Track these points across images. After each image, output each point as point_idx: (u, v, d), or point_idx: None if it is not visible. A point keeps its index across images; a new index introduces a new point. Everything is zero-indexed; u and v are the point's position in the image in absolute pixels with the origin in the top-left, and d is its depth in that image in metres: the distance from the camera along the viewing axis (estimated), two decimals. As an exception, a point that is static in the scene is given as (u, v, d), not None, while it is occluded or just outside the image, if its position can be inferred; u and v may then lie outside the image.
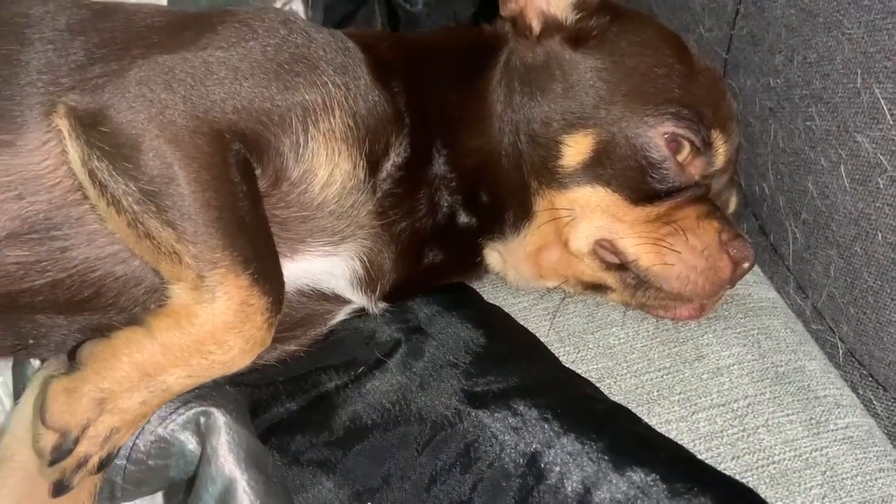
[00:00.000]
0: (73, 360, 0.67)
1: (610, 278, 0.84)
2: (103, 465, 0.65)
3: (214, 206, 0.68)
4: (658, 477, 0.61)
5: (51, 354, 0.79)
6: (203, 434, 0.65)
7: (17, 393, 0.83)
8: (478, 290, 0.93)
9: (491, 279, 0.95)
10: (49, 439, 0.66)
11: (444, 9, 1.14)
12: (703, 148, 0.81)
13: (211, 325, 0.67)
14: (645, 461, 0.63)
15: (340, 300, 0.83)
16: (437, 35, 0.97)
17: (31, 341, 0.77)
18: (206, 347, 0.68)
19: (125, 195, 0.67)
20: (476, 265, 0.90)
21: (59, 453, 0.65)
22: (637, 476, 0.60)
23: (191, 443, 0.67)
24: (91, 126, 0.69)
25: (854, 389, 0.84)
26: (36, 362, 0.86)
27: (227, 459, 0.64)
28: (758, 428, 0.79)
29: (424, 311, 0.84)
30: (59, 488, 0.66)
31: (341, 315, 0.84)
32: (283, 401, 0.79)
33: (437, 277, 0.88)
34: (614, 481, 0.61)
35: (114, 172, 0.68)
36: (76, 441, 0.66)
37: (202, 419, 0.66)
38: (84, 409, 0.66)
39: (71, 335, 0.77)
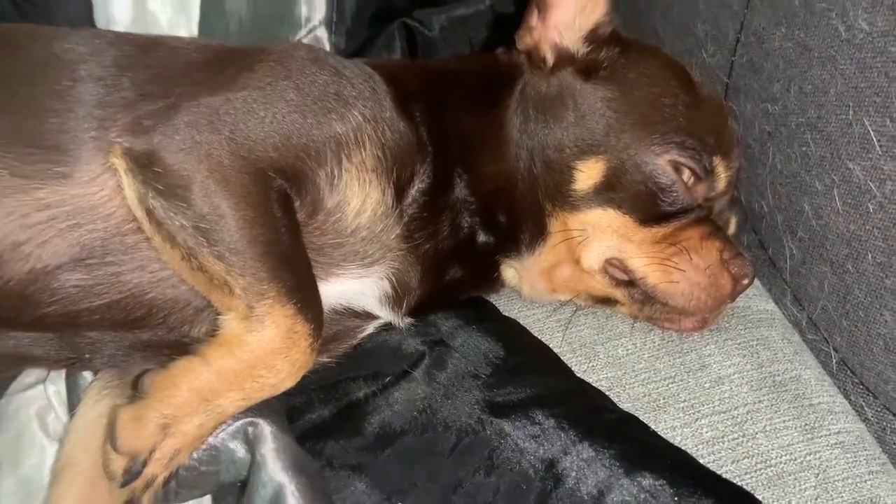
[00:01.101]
0: (136, 389, 0.72)
1: (619, 293, 0.89)
2: (167, 482, 0.71)
3: (260, 242, 0.74)
4: (665, 482, 0.68)
5: (103, 367, 0.86)
6: (251, 442, 0.72)
7: (71, 402, 0.90)
8: (494, 303, 0.99)
9: (506, 293, 1.01)
10: (120, 464, 0.71)
11: (460, 33, 1.19)
12: (706, 174, 0.87)
13: (261, 351, 0.73)
14: (653, 467, 0.69)
15: (370, 316, 0.89)
16: (455, 63, 1.02)
17: (87, 355, 0.83)
18: (258, 372, 0.74)
19: (179, 231, 0.73)
20: (493, 280, 0.96)
21: (130, 475, 0.71)
22: (646, 481, 0.67)
23: (240, 451, 0.73)
24: (146, 166, 0.74)
25: (846, 396, 0.89)
26: (87, 374, 0.93)
27: (276, 466, 0.70)
28: (756, 433, 0.84)
29: (446, 325, 0.90)
30: None
31: (370, 329, 0.90)
32: (316, 408, 0.85)
33: (457, 292, 0.94)
34: (625, 485, 0.67)
35: (169, 210, 0.73)
36: (144, 463, 0.72)
37: (250, 429, 0.72)
38: (150, 435, 0.71)
39: (122, 350, 0.83)
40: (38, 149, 0.79)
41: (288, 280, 0.74)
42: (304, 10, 1.10)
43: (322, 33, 1.11)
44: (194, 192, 0.74)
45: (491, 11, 1.19)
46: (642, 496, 0.65)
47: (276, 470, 0.70)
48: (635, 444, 0.71)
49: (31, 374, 0.91)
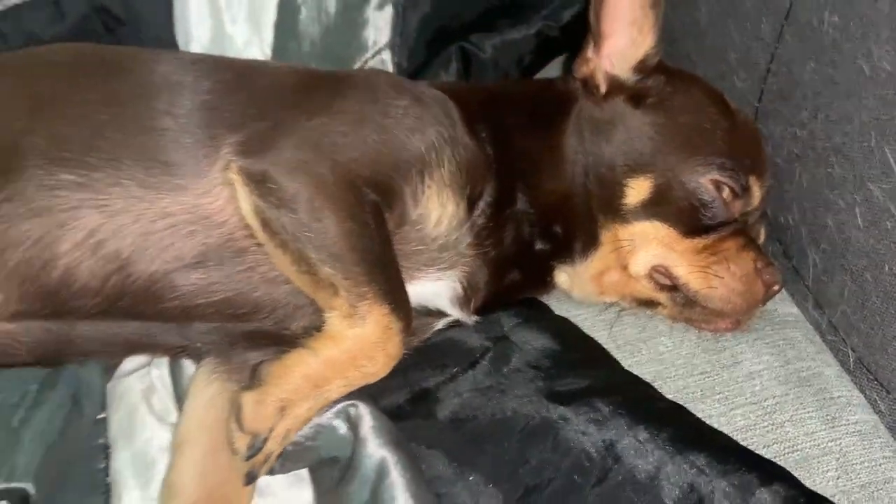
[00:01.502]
0: (254, 377, 0.84)
1: (662, 297, 1.01)
2: (279, 457, 0.82)
3: (359, 249, 0.85)
4: (713, 460, 0.78)
5: (209, 355, 0.96)
6: (353, 421, 0.82)
7: (175, 385, 1.00)
8: (547, 303, 1.10)
9: (556, 294, 1.12)
10: (244, 441, 0.82)
11: (511, 54, 1.30)
12: (742, 192, 0.98)
13: (362, 344, 0.84)
14: (701, 448, 0.80)
15: (440, 314, 1.00)
16: (516, 87, 1.13)
17: (198, 344, 0.94)
18: (359, 362, 0.84)
19: (291, 239, 0.84)
20: (547, 283, 1.07)
21: (253, 451, 0.81)
22: (697, 459, 0.77)
23: (342, 428, 0.84)
24: (261, 183, 0.85)
25: (862, 391, 1.00)
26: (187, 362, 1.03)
27: (377, 442, 0.81)
28: (784, 422, 0.96)
29: (508, 323, 1.01)
30: (251, 478, 0.84)
31: (440, 325, 1.01)
32: (393, 394, 0.95)
33: (515, 293, 1.05)
34: (678, 464, 0.78)
35: (281, 221, 0.85)
36: (264, 441, 0.82)
37: (351, 410, 0.83)
38: (269, 416, 0.82)
39: (228, 340, 0.94)
40: (159, 163, 0.90)
41: (383, 283, 0.84)
42: (371, 34, 1.21)
43: (386, 56, 1.22)
44: (303, 205, 0.85)
45: (536, 37, 1.30)
46: (693, 471, 0.76)
47: (377, 445, 0.81)
48: (684, 429, 0.82)
49: (133, 360, 1.02)
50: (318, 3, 1.20)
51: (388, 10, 1.20)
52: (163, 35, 1.24)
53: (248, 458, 0.81)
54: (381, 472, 0.78)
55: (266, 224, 0.85)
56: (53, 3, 1.20)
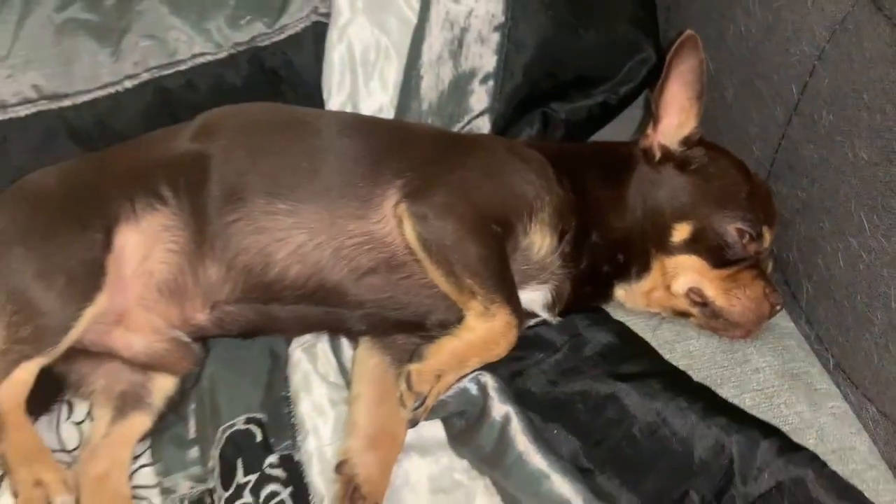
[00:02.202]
0: (416, 354, 1.15)
1: (694, 310, 1.29)
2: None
3: (490, 268, 1.17)
4: (731, 422, 1.11)
5: (364, 335, 1.30)
6: (482, 385, 1.17)
7: (336, 355, 1.33)
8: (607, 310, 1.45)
9: (614, 305, 1.47)
10: (410, 398, 1.11)
11: (579, 116, 1.63)
12: (758, 237, 1.28)
13: (492, 334, 1.14)
14: (723, 414, 1.13)
15: (534, 315, 1.34)
16: (592, 149, 1.47)
17: (363, 328, 1.27)
18: (489, 346, 1.15)
19: (443, 259, 1.17)
20: (608, 296, 1.37)
21: (416, 405, 1.11)
22: (720, 422, 1.11)
23: (473, 389, 1.16)
24: (422, 219, 1.18)
25: (838, 387, 1.29)
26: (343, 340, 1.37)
27: (500, 399, 1.15)
28: (779, 404, 1.23)
29: (581, 323, 1.31)
30: (413, 423, 1.16)
31: (531, 322, 1.33)
32: (499, 370, 1.24)
33: (586, 302, 1.36)
34: (707, 425, 1.11)
35: (437, 246, 1.18)
36: (424, 399, 1.13)
37: (480, 377, 1.17)
38: (430, 381, 1.12)
39: (385, 326, 1.28)
40: (347, 198, 1.25)
41: (506, 292, 1.18)
42: (474, 101, 1.54)
43: (485, 117, 1.56)
44: (451, 236, 1.18)
45: (600, 105, 1.65)
46: (716, 429, 1.10)
47: (501, 402, 1.15)
48: (710, 401, 1.16)
49: (305, 337, 1.32)
50: (436, 74, 1.53)
51: (490, 84, 1.54)
52: (312, 91, 1.59)
53: (413, 410, 1.14)
54: (505, 421, 1.13)
55: (426, 247, 1.19)
56: (236, 63, 1.56)
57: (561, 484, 1.07)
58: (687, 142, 1.33)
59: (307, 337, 1.34)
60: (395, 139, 1.33)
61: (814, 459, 1.08)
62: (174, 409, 1.28)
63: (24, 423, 1.15)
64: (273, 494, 1.07)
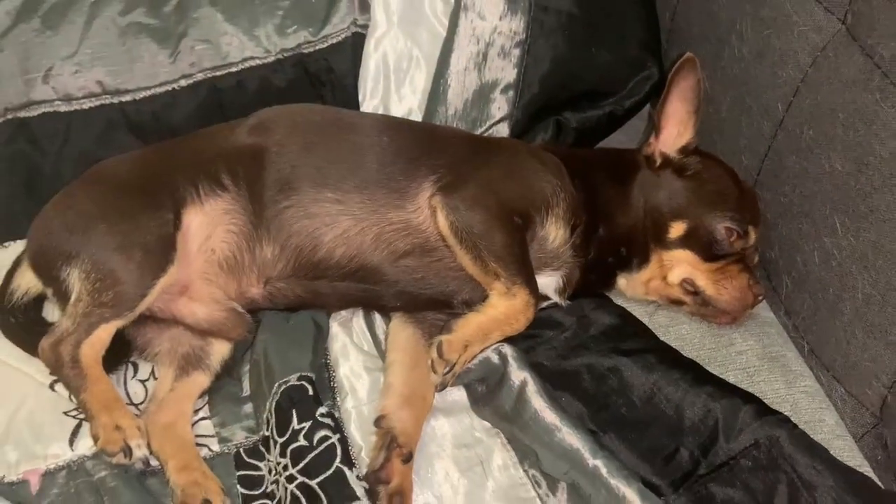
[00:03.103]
0: (446, 327, 1.29)
1: (687, 299, 1.44)
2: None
3: (513, 253, 1.32)
4: (717, 390, 1.28)
5: (397, 311, 1.46)
6: (502, 355, 1.34)
7: (370, 329, 1.50)
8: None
9: (615, 294, 1.64)
10: (441, 365, 1.25)
11: (589, 124, 1.82)
12: (744, 235, 1.45)
13: (513, 311, 1.29)
14: (712, 384, 1.29)
15: (545, 298, 1.51)
16: (601, 154, 1.65)
17: (398, 304, 1.42)
18: (509, 322, 1.30)
19: (472, 245, 1.33)
20: (611, 284, 1.53)
21: (446, 371, 1.25)
22: (707, 389, 1.29)
23: (494, 358, 1.31)
24: (454, 209, 1.35)
25: (811, 369, 1.45)
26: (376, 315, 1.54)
27: (518, 366, 1.31)
28: (759, 382, 1.37)
29: (587, 306, 1.48)
30: (443, 386, 1.30)
31: (544, 305, 1.49)
32: (516, 344, 1.42)
33: (592, 289, 1.53)
34: (696, 393, 1.28)
35: (466, 233, 1.33)
36: (453, 366, 1.27)
37: (501, 348, 1.34)
38: (458, 350, 1.25)
39: (416, 303, 1.45)
40: (387, 189, 1.42)
41: (526, 275, 1.35)
42: (495, 109, 1.72)
43: (504, 123, 1.74)
44: (480, 225, 1.33)
45: (607, 115, 1.84)
46: (704, 397, 1.27)
47: (518, 368, 1.32)
48: (699, 373, 1.34)
49: (342, 312, 1.49)
50: (462, 83, 1.70)
51: (510, 94, 1.71)
52: (349, 94, 1.76)
53: (443, 375, 1.27)
54: (523, 385, 1.30)
55: (456, 234, 1.35)
56: (282, 67, 1.72)
57: (569, 435, 1.25)
58: (684, 150, 1.50)
59: (343, 314, 1.51)
60: (429, 140, 1.51)
61: (786, 421, 1.26)
62: (229, 371, 1.45)
63: (103, 377, 1.32)
64: (325, 438, 1.23)
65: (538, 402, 1.29)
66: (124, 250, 1.33)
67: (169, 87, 1.71)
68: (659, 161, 1.50)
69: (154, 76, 1.69)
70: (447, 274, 1.42)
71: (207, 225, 1.42)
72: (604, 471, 1.19)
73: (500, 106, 1.73)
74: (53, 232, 1.39)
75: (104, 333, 1.32)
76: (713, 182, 1.48)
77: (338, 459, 1.22)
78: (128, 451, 1.25)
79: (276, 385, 1.31)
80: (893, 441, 1.37)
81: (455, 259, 1.39)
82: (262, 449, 1.33)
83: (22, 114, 1.68)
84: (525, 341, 1.43)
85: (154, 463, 1.31)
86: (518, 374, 1.32)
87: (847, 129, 1.38)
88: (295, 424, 1.25)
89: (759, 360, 1.48)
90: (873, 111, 1.33)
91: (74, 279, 1.33)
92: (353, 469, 1.23)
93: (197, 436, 1.37)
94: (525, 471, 1.30)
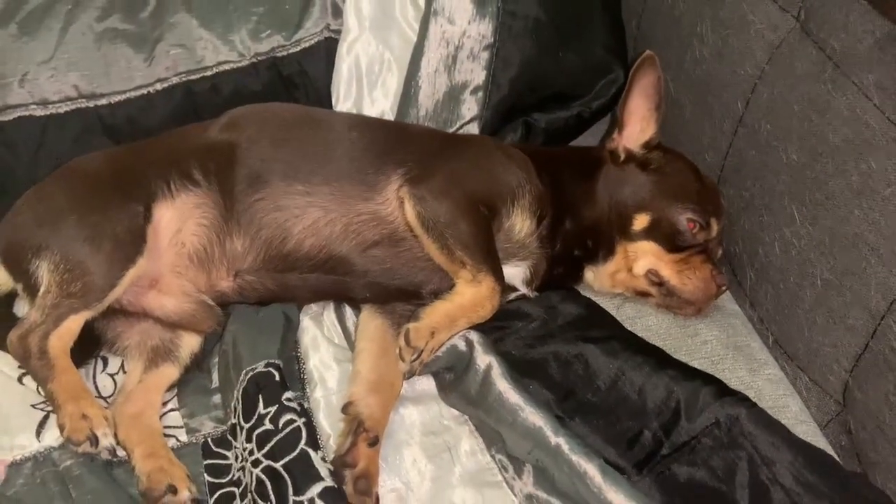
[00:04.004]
0: (414, 315, 1.31)
1: (653, 290, 1.46)
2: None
3: (479, 242, 1.35)
4: (679, 373, 1.30)
5: (369, 302, 1.48)
6: (469, 341, 1.36)
7: (340, 321, 1.52)
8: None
9: (583, 287, 1.67)
10: (409, 353, 1.26)
11: (557, 125, 1.86)
12: (706, 227, 1.49)
13: (479, 298, 1.31)
14: (676, 368, 1.31)
15: (513, 289, 1.54)
16: (566, 151, 1.69)
17: (367, 295, 1.45)
18: (475, 310, 1.32)
19: (439, 235, 1.35)
20: (579, 277, 1.56)
21: (412, 358, 1.27)
22: (670, 373, 1.31)
23: (461, 345, 1.32)
24: (421, 200, 1.38)
25: (775, 358, 1.49)
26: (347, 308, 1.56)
27: (483, 350, 1.32)
28: (724, 370, 1.40)
29: (555, 298, 1.50)
30: (410, 374, 1.31)
31: (512, 296, 1.52)
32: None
33: (560, 282, 1.56)
34: (659, 376, 1.29)
35: (434, 222, 1.36)
36: (420, 353, 1.28)
37: (467, 334, 1.36)
38: (425, 337, 1.27)
39: (384, 294, 1.46)
40: (354, 183, 1.45)
41: (492, 263, 1.37)
42: (465, 110, 1.76)
43: (474, 123, 1.78)
44: (446, 215, 1.36)
45: (575, 117, 1.88)
46: (667, 380, 1.29)
47: (483, 353, 1.33)
48: (663, 358, 1.36)
49: (313, 306, 1.52)
50: (432, 85, 1.74)
51: (479, 95, 1.75)
52: (323, 97, 1.81)
53: (411, 363, 1.30)
54: (488, 368, 1.31)
55: (423, 224, 1.38)
56: (256, 70, 1.77)
57: (532, 414, 1.26)
58: (647, 146, 1.53)
59: (314, 308, 1.53)
60: (398, 135, 1.54)
61: (745, 400, 1.28)
62: (199, 364, 1.46)
63: (71, 367, 1.32)
64: (290, 421, 1.24)
65: (502, 384, 1.30)
66: (94, 241, 1.35)
67: (144, 91, 1.74)
68: (623, 156, 1.53)
69: (129, 80, 1.72)
70: (415, 264, 1.44)
71: (178, 219, 1.44)
72: (566, 447, 1.21)
73: (469, 107, 1.77)
74: (23, 225, 1.41)
75: (73, 325, 1.33)
76: (675, 175, 1.51)
77: (303, 441, 1.22)
78: (94, 439, 1.25)
79: (244, 373, 1.32)
80: (857, 426, 1.40)
81: (423, 249, 1.41)
82: (230, 438, 1.33)
83: (-3, 118, 1.70)
84: (493, 332, 1.45)
85: (121, 453, 1.31)
86: (484, 359, 1.34)
87: (802, 121, 1.43)
88: (261, 409, 1.26)
89: (724, 349, 1.50)
90: (825, 101, 1.37)
91: (44, 271, 1.35)
92: (319, 451, 1.23)
93: (165, 427, 1.37)
94: (492, 456, 1.31)
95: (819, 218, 1.40)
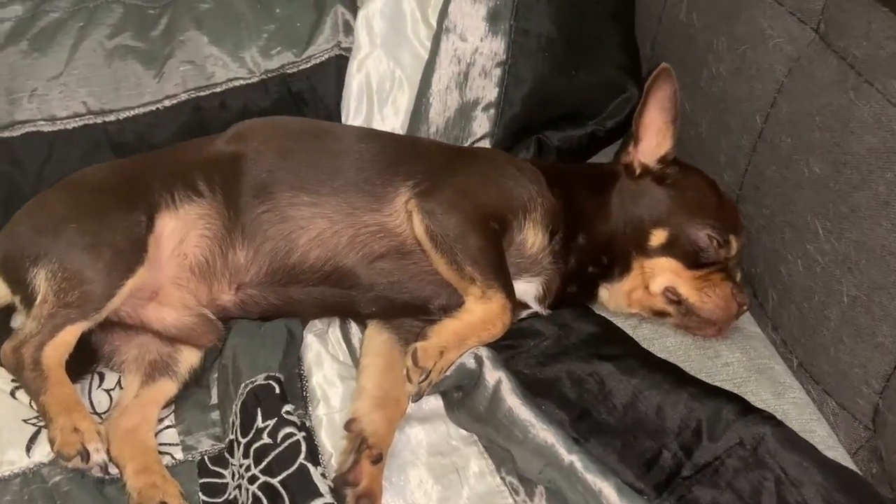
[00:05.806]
0: (421, 334, 1.27)
1: (671, 309, 1.41)
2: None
3: (489, 258, 1.30)
4: (699, 392, 1.25)
5: (373, 318, 1.43)
6: (478, 359, 1.30)
7: (345, 337, 1.47)
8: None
9: (597, 308, 1.61)
10: (416, 373, 1.21)
11: (570, 144, 1.82)
12: (726, 244, 1.44)
13: (490, 316, 1.27)
14: (697, 387, 1.25)
15: (525, 307, 1.48)
16: (580, 167, 1.66)
17: (373, 309, 1.41)
18: (486, 327, 1.27)
19: (448, 249, 1.31)
20: (593, 296, 1.51)
21: (421, 379, 1.22)
22: (689, 391, 1.25)
23: (471, 363, 1.27)
24: (430, 214, 1.34)
25: (799, 381, 1.42)
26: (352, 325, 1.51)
27: (494, 366, 1.27)
28: (746, 393, 1.32)
29: (568, 315, 1.46)
30: (418, 396, 1.26)
31: (524, 314, 1.47)
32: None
33: (573, 301, 1.51)
34: (678, 395, 1.23)
35: (442, 237, 1.32)
36: (429, 374, 1.23)
37: (476, 352, 1.30)
38: (434, 357, 1.22)
39: (391, 309, 1.42)
40: (362, 194, 1.42)
41: (502, 279, 1.32)
42: (477, 127, 1.73)
43: (486, 141, 1.74)
44: (455, 229, 1.32)
45: (589, 136, 1.84)
46: (686, 397, 1.23)
47: (493, 369, 1.27)
48: (682, 376, 1.30)
49: (317, 322, 1.47)
50: (444, 102, 1.72)
51: (491, 112, 1.73)
52: (332, 114, 1.78)
53: (420, 383, 1.23)
54: (497, 384, 1.25)
55: (432, 238, 1.34)
56: (266, 87, 1.75)
57: (544, 431, 1.20)
58: (663, 160, 1.50)
59: (318, 325, 1.48)
60: (407, 147, 1.51)
61: (771, 418, 1.21)
62: (197, 380, 1.41)
63: (65, 379, 1.27)
64: (290, 435, 1.18)
65: (512, 400, 1.24)
66: (93, 249, 1.31)
67: (153, 108, 1.72)
68: (639, 170, 1.49)
69: (139, 96, 1.69)
70: (423, 278, 1.39)
71: (181, 229, 1.41)
72: (579, 465, 1.14)
73: (481, 123, 1.74)
74: (22, 235, 1.38)
75: (69, 336, 1.29)
76: (693, 190, 1.47)
77: (302, 456, 1.16)
78: (85, 454, 1.19)
79: (243, 386, 1.27)
80: (888, 452, 1.32)
81: (431, 264, 1.36)
82: (227, 455, 1.27)
83: (5, 134, 1.69)
84: (505, 351, 1.40)
85: (113, 471, 1.25)
86: (493, 374, 1.28)
87: (824, 132, 1.38)
88: (259, 423, 1.20)
89: (747, 371, 1.43)
90: (848, 110, 1.33)
91: (41, 280, 1.31)
92: (319, 467, 1.17)
93: (160, 444, 1.32)
94: (502, 478, 1.25)
95: (844, 232, 1.34)
